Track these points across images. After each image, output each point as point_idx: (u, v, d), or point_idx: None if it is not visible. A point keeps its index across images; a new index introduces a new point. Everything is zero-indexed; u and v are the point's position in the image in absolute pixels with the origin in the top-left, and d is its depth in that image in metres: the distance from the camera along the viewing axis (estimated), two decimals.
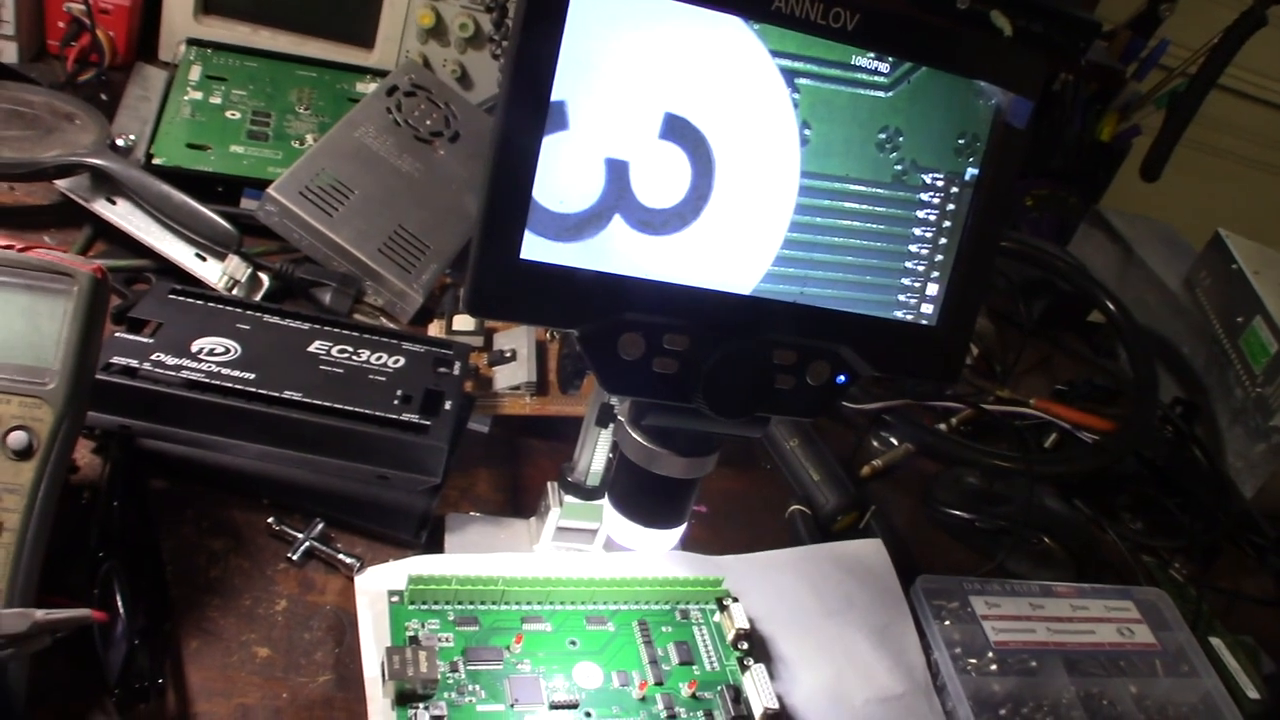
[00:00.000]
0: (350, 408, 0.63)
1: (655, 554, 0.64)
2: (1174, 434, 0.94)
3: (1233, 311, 1.00)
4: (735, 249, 0.48)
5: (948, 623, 0.69)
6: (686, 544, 0.69)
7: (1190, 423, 0.96)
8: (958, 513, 0.78)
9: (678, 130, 0.45)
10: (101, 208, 0.74)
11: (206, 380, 0.62)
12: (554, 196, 0.44)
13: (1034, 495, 0.78)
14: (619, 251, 0.46)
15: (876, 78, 0.47)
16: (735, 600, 0.63)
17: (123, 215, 0.74)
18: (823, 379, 0.50)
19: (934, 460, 0.83)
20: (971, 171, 0.50)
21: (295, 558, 0.61)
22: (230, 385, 0.62)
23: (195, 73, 0.88)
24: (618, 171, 0.45)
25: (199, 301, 0.70)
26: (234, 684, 0.55)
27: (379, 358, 0.69)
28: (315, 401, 0.63)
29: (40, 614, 0.48)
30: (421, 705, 0.53)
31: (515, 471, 0.73)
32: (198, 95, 0.86)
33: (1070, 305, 1.06)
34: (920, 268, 0.50)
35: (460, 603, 0.59)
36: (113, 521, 0.57)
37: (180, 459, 0.63)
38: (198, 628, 0.57)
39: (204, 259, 0.75)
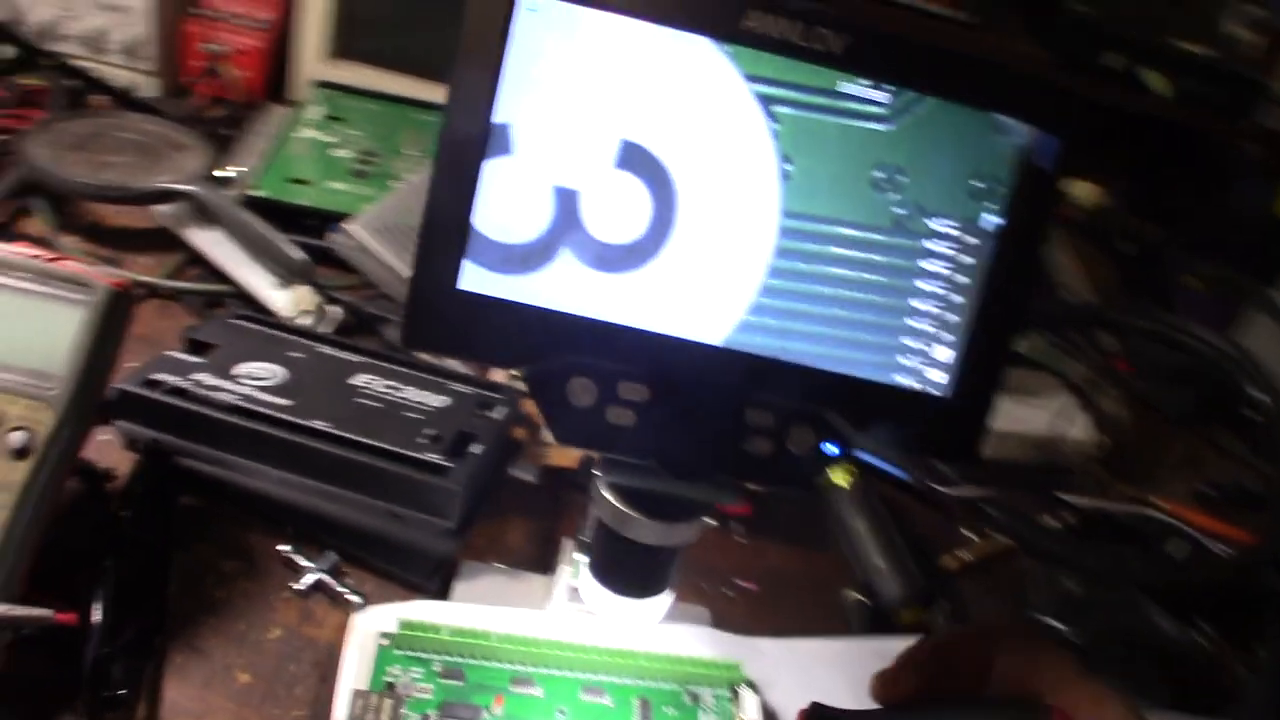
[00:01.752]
0: (371, 442, 0.62)
1: (661, 626, 0.59)
2: None
3: None
4: (703, 293, 0.43)
5: None
6: (726, 621, 0.64)
7: None
8: (1049, 621, 0.68)
9: (635, 160, 0.41)
10: (193, 234, 0.78)
11: (237, 402, 0.63)
12: (495, 224, 0.41)
13: (1140, 609, 0.68)
14: (568, 288, 0.42)
15: (871, 108, 0.42)
16: (752, 688, 0.57)
17: (212, 243, 0.77)
18: (807, 447, 0.45)
19: (1034, 559, 0.74)
20: (991, 219, 0.43)
21: (301, 588, 0.60)
22: (259, 409, 0.62)
23: (316, 113, 0.91)
24: (567, 201, 0.42)
25: (259, 327, 0.72)
26: (207, 705, 0.54)
27: (422, 396, 0.68)
28: (338, 433, 0.62)
29: (3, 609, 0.49)
30: None
31: (552, 525, 0.70)
32: (314, 134, 0.89)
33: (1226, 397, 0.92)
34: (927, 327, 0.44)
35: (449, 654, 0.56)
36: (122, 530, 0.58)
37: (212, 479, 0.64)
38: (188, 645, 0.56)
39: (280, 288, 0.76)
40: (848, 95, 0.41)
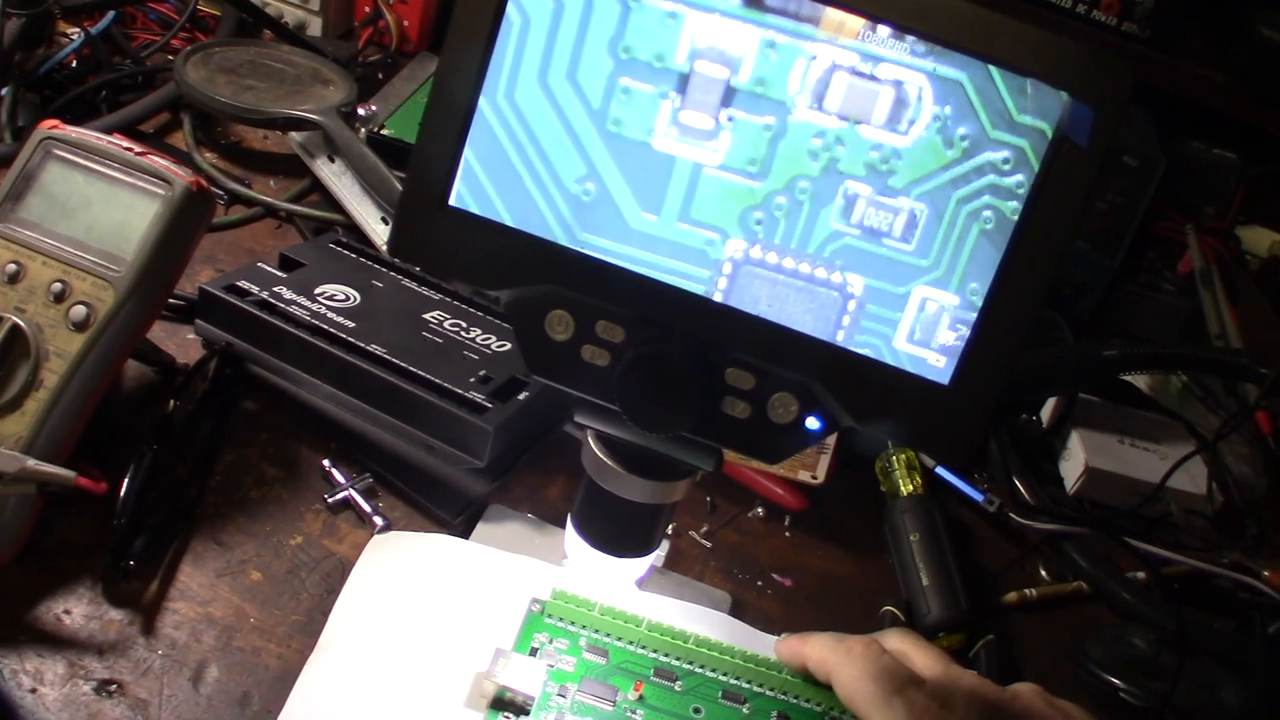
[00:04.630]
0: (421, 373, 0.63)
1: (675, 604, 0.57)
2: None
3: None
4: (685, 237, 0.41)
5: None
6: (747, 612, 0.62)
7: None
8: (1106, 676, 0.62)
9: None
10: (320, 165, 0.81)
11: (305, 317, 0.65)
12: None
13: (1213, 686, 0.60)
14: (557, 216, 0.41)
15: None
16: None
17: (333, 174, 0.81)
18: (789, 418, 0.42)
19: (1110, 610, 0.67)
20: (1013, 193, 0.39)
21: (331, 501, 0.62)
22: (323, 327, 0.64)
23: None
24: None
25: (350, 255, 0.74)
26: (214, 594, 0.56)
27: (487, 339, 0.69)
28: (390, 359, 0.63)
29: (30, 463, 0.52)
30: (513, 717, 0.51)
31: None
32: None
33: None
34: (932, 299, 0.41)
35: (598, 631, 0.55)
36: (172, 419, 0.61)
37: (273, 387, 0.66)
38: (212, 537, 0.59)
39: (385, 223, 0.79)
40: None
